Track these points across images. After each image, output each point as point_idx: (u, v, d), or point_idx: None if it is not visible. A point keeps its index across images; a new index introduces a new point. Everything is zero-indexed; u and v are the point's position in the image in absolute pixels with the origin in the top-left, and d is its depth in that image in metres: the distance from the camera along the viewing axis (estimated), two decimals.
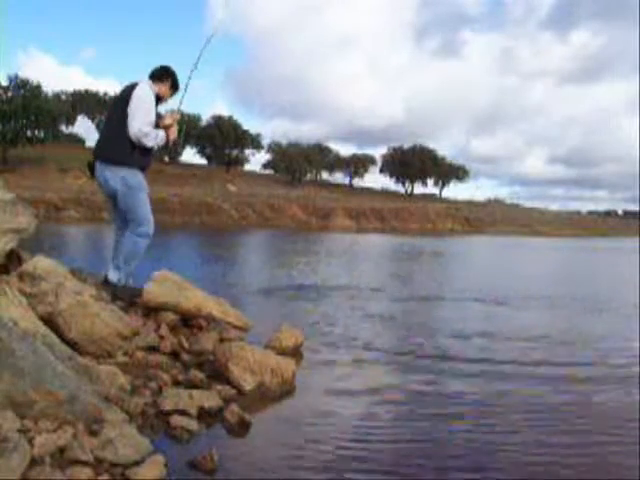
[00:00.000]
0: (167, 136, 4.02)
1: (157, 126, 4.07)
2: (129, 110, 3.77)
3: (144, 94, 3.82)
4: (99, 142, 3.98)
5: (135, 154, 3.84)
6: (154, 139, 3.87)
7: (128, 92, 3.86)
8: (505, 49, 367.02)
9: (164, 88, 4.06)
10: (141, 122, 3.75)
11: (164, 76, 4.06)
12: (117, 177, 3.78)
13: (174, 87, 4.13)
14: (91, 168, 3.98)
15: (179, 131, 4.26)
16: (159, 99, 4.08)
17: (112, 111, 4.02)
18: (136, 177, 3.85)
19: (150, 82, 4.00)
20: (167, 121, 4.13)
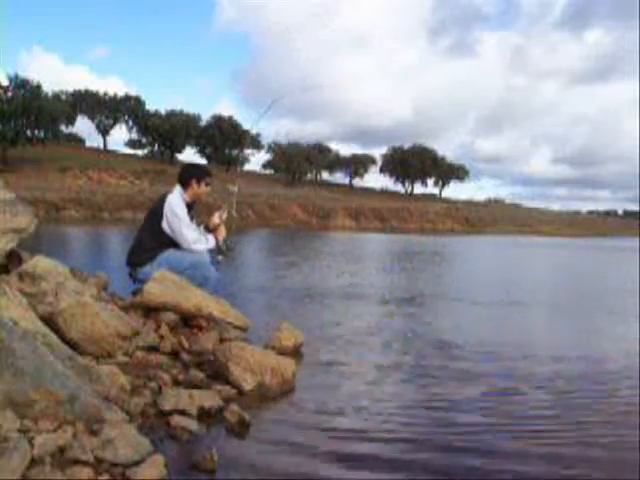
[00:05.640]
0: (216, 238, 4.22)
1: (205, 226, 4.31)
2: (172, 229, 4.01)
3: (174, 209, 4.02)
4: (130, 249, 4.18)
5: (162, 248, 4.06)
6: (205, 243, 4.11)
7: (160, 206, 4.08)
8: (518, 47, 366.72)
9: (194, 190, 4.19)
10: (187, 235, 4.00)
11: (187, 181, 4.19)
12: (152, 270, 3.88)
13: (202, 178, 4.20)
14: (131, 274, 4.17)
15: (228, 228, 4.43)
16: (194, 202, 4.23)
17: (145, 221, 4.23)
18: (163, 255, 4.02)
19: (179, 190, 4.16)
20: (215, 220, 4.30)
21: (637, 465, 2.07)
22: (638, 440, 2.28)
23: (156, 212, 4.07)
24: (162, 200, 4.10)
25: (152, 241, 4.03)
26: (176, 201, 4.05)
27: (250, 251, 12.06)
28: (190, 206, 4.18)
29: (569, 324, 5.09)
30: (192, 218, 4.16)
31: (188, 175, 4.20)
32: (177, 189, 4.15)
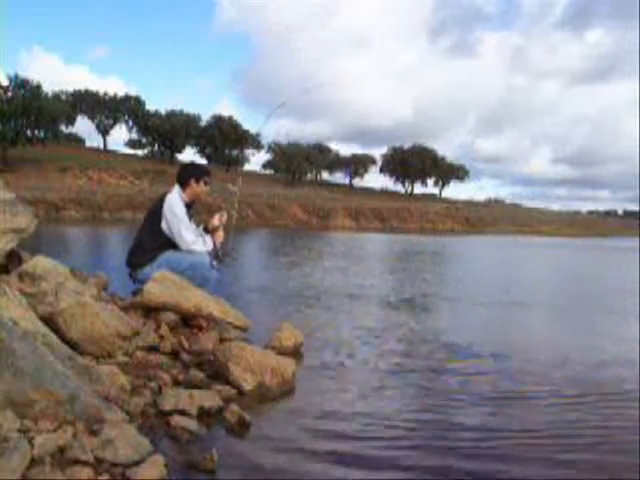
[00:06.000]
0: (214, 241, 4.22)
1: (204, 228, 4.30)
2: (171, 229, 4.01)
3: (174, 208, 4.02)
4: (130, 250, 4.17)
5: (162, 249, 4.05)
6: (203, 244, 4.10)
7: (159, 206, 4.07)
8: (519, 48, 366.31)
9: (193, 189, 4.18)
10: (185, 236, 4.00)
11: (185, 181, 4.18)
12: (152, 271, 3.86)
13: (201, 177, 4.20)
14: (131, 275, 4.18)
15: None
16: (193, 201, 4.23)
17: (144, 221, 4.22)
18: (163, 256, 4.01)
19: (178, 189, 4.16)
20: (215, 222, 4.31)
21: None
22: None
23: (155, 213, 4.07)
24: (161, 200, 4.09)
25: (152, 242, 4.03)
26: (175, 201, 4.04)
27: (250, 251, 12.06)
28: (189, 206, 4.17)
29: (571, 325, 5.07)
30: (191, 217, 4.17)
31: (186, 174, 4.19)
32: (176, 189, 4.15)
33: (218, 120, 50.36)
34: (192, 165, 4.47)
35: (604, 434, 2.39)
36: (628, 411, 2.70)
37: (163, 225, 4.01)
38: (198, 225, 4.27)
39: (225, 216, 4.39)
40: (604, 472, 2.03)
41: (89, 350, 2.64)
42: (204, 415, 2.22)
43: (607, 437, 2.36)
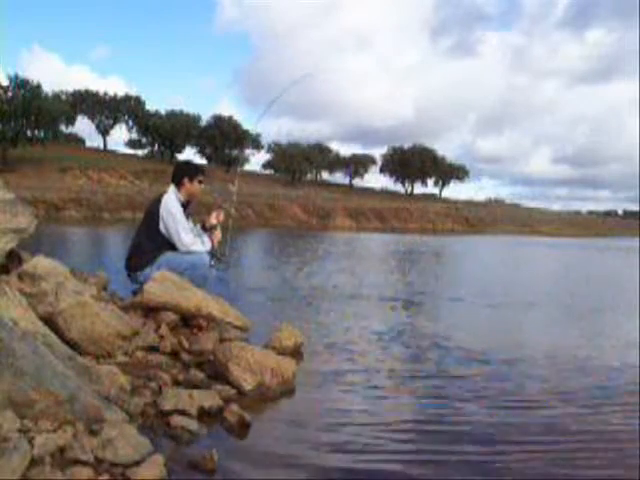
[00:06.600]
0: (211, 240, 4.23)
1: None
2: (168, 230, 4.02)
3: (171, 209, 4.01)
4: (129, 253, 4.17)
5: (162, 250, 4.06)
6: (202, 245, 4.11)
7: (156, 207, 4.06)
8: (519, 47, 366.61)
9: (188, 188, 4.18)
10: (183, 238, 4.01)
11: (179, 180, 4.18)
12: (152, 272, 3.83)
13: (194, 175, 4.20)
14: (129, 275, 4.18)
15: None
16: (189, 201, 4.24)
17: (142, 223, 4.22)
18: (163, 257, 4.01)
19: (174, 189, 4.15)
20: (212, 221, 4.31)
21: None
22: None
23: (153, 214, 4.06)
24: (158, 201, 4.08)
25: (150, 244, 4.02)
26: (172, 202, 4.04)
27: (250, 251, 12.06)
28: (185, 205, 4.16)
29: (583, 327, 4.97)
30: (188, 216, 4.17)
31: (180, 174, 4.18)
32: (171, 189, 4.14)
33: (218, 120, 50.38)
34: (185, 164, 4.45)
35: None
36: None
37: (161, 226, 4.01)
38: (196, 224, 4.27)
39: (222, 215, 4.39)
40: None
41: (89, 350, 2.64)
42: (204, 415, 2.22)
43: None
